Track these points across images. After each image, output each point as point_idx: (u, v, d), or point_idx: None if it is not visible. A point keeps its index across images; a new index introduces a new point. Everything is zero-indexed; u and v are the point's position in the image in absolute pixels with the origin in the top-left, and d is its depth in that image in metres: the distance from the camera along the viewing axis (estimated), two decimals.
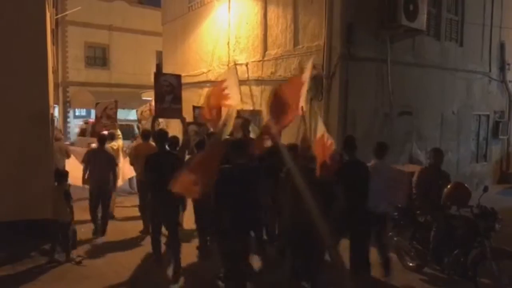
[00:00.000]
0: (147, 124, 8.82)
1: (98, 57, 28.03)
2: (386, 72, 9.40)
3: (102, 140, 8.15)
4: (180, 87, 7.92)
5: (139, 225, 8.30)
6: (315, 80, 8.95)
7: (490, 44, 12.62)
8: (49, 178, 7.21)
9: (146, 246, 7.23)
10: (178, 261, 6.13)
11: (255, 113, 10.96)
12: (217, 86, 7.57)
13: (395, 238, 6.72)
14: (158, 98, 7.89)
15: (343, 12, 8.64)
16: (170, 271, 6.11)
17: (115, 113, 9.95)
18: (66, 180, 7.04)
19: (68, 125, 26.32)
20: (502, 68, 13.17)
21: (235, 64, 8.86)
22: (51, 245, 6.88)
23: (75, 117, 27.21)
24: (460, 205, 5.88)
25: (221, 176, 4.61)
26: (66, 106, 26.70)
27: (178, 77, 8.15)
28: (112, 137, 9.19)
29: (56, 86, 27.28)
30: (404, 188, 6.02)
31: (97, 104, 10.45)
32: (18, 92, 6.97)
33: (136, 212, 8.67)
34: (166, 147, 6.53)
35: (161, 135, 6.53)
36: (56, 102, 26.66)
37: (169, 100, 8.02)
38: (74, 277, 6.29)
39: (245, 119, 7.60)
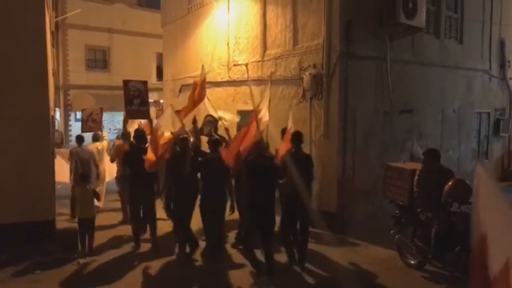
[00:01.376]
0: (131, 127, 9.73)
1: (99, 60, 28.08)
2: (386, 70, 9.38)
3: (80, 139, 9.77)
4: (146, 92, 8.98)
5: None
6: (315, 79, 8.94)
7: (490, 41, 12.61)
8: (50, 180, 7.24)
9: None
10: (155, 237, 7.53)
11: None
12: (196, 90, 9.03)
13: (396, 236, 6.73)
14: (127, 102, 8.81)
15: (342, 10, 8.63)
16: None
17: (100, 117, 11.11)
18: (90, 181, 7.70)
19: (70, 128, 26.31)
20: (502, 66, 13.15)
21: (203, 68, 9.37)
22: (80, 242, 7.02)
23: (76, 120, 27.16)
24: (461, 202, 5.87)
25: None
26: (67, 109, 26.70)
27: (145, 83, 9.30)
28: (97, 138, 10.34)
29: (57, 89, 27.32)
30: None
31: (83, 110, 11.51)
32: (19, 95, 7.00)
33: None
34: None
35: (138, 136, 7.99)
36: (57, 105, 26.71)
37: (137, 103, 9.02)
38: (75, 279, 6.31)
39: (213, 118, 8.83)
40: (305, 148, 9.38)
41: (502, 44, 13.02)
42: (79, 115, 27.62)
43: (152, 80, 26.62)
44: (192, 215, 7.05)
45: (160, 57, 18.97)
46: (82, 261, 6.90)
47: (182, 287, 6.22)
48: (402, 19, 8.85)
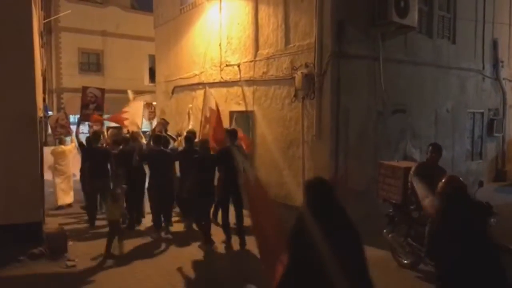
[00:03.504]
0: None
1: (92, 63, 27.98)
2: (379, 70, 9.32)
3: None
4: (102, 98, 10.39)
5: None
6: (307, 78, 8.87)
7: (483, 41, 12.58)
8: (37, 182, 7.11)
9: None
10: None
11: (248, 114, 10.87)
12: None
13: (389, 235, 6.63)
14: (83, 106, 10.25)
15: (334, 9, 8.56)
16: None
17: (67, 122, 12.04)
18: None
19: None
20: (495, 66, 13.12)
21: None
22: (107, 241, 7.10)
23: (71, 123, 27.04)
24: None
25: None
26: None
27: (102, 90, 10.77)
28: (61, 142, 11.29)
29: (50, 92, 27.24)
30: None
31: (49, 117, 12.70)
32: (4, 95, 6.87)
33: None
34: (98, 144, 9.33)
35: (94, 136, 9.31)
36: (51, 108, 26.56)
37: (93, 108, 10.60)
38: (61, 284, 6.18)
39: (165, 121, 11.04)
40: (297, 148, 9.33)
41: (495, 44, 12.99)
42: (72, 118, 27.61)
43: (145, 82, 26.54)
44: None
45: (152, 59, 18.89)
46: (69, 263, 6.77)
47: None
48: (394, 17, 8.79)
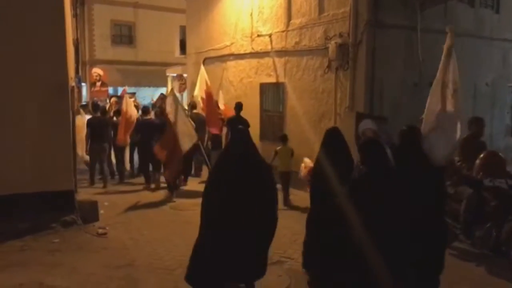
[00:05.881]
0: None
1: (124, 35, 28.03)
2: (416, 40, 8.92)
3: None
4: (105, 76, 12.42)
5: None
6: (341, 48, 8.59)
7: None
8: (68, 149, 7.16)
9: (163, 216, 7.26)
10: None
11: (279, 85, 10.67)
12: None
13: None
14: (91, 85, 12.59)
15: None
16: None
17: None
18: None
19: None
20: None
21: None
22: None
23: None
24: (494, 176, 5.52)
25: None
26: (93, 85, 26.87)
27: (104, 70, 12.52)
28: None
29: (84, 64, 27.52)
30: None
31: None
32: (36, 63, 6.88)
33: None
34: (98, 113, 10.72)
35: (94, 106, 11.26)
36: (84, 80, 26.91)
37: (99, 85, 13.51)
38: (92, 248, 6.27)
39: (164, 95, 12.74)
40: (329, 121, 9.11)
41: None
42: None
43: (176, 54, 26.51)
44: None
45: (183, 30, 18.72)
46: (101, 231, 6.87)
47: None
48: None
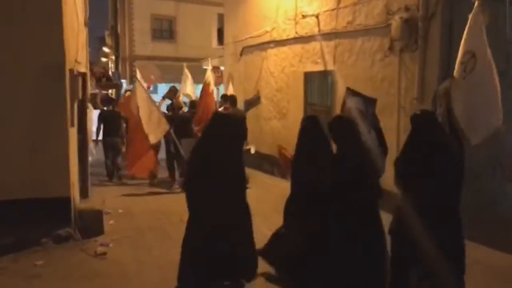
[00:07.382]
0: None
1: (165, 30, 27.20)
2: (504, 15, 7.02)
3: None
4: (108, 71, 11.98)
5: None
6: (408, 24, 6.82)
7: None
8: (63, 146, 5.80)
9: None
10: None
11: (327, 74, 8.99)
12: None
13: None
14: (97, 80, 12.32)
15: None
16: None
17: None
18: None
19: None
20: None
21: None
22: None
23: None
24: None
25: None
26: (133, 81, 26.12)
27: (106, 65, 13.00)
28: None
29: (124, 60, 26.82)
30: None
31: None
32: (31, 40, 5.58)
33: None
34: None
35: (107, 100, 11.74)
36: (124, 76, 26.17)
37: (104, 80, 12.94)
38: (83, 275, 4.83)
39: (175, 88, 12.37)
40: (390, 117, 7.35)
41: None
42: (144, 86, 27.09)
43: (213, 45, 25.34)
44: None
45: (221, 19, 17.43)
46: (100, 250, 5.46)
47: None
48: None
